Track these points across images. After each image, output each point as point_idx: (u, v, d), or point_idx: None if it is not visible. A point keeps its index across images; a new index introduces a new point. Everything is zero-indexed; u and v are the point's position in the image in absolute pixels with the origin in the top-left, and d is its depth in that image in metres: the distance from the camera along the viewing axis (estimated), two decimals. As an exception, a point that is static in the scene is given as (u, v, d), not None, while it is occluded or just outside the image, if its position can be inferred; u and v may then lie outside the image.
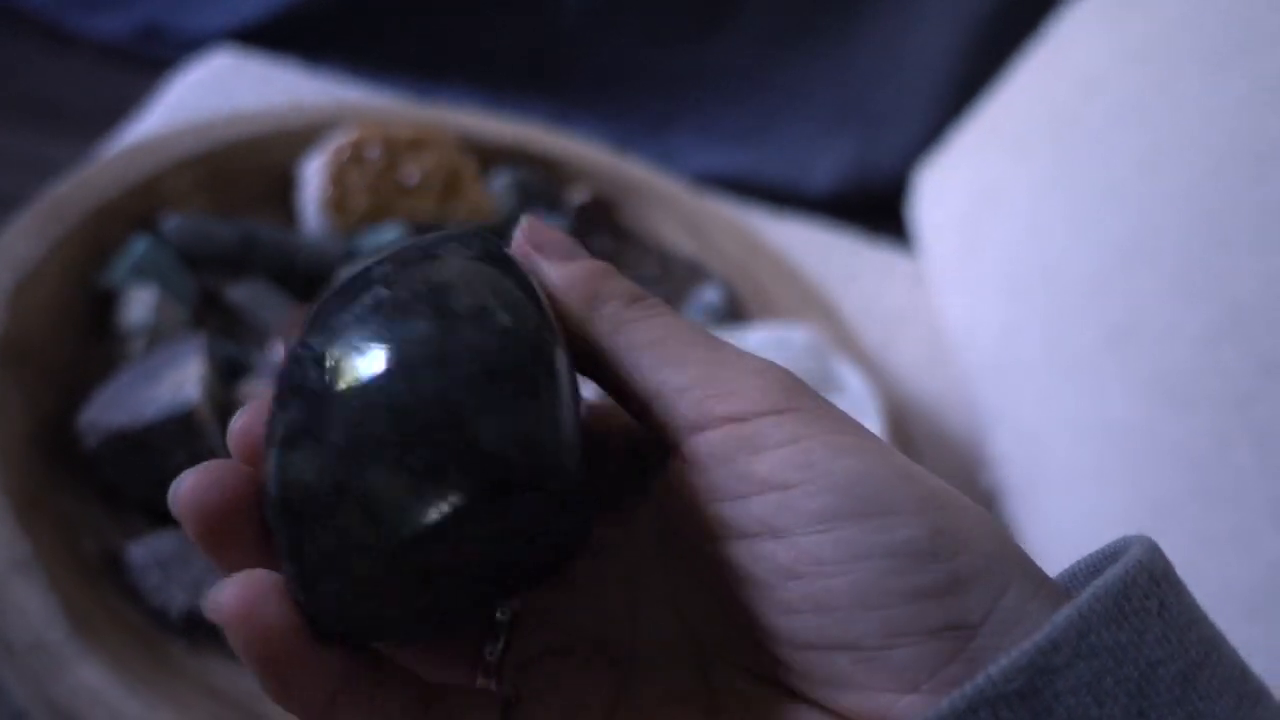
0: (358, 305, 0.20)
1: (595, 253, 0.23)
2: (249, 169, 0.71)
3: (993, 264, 0.77)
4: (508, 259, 0.22)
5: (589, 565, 0.23)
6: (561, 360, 0.20)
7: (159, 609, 0.48)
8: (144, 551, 0.49)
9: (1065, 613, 0.17)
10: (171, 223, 0.63)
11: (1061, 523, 0.63)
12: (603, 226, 0.76)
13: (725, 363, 0.21)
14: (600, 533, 0.23)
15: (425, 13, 1.41)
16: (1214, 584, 0.50)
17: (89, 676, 0.44)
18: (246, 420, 0.20)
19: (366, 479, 0.18)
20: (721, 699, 0.21)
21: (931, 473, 0.20)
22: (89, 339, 0.58)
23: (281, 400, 0.20)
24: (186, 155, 0.68)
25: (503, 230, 0.69)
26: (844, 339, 0.72)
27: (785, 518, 0.19)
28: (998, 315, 0.74)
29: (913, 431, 0.69)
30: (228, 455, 0.21)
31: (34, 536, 0.47)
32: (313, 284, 0.65)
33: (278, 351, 0.57)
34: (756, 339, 0.65)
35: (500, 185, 0.75)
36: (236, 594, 0.18)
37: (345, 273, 0.21)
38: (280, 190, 0.71)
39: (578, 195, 0.77)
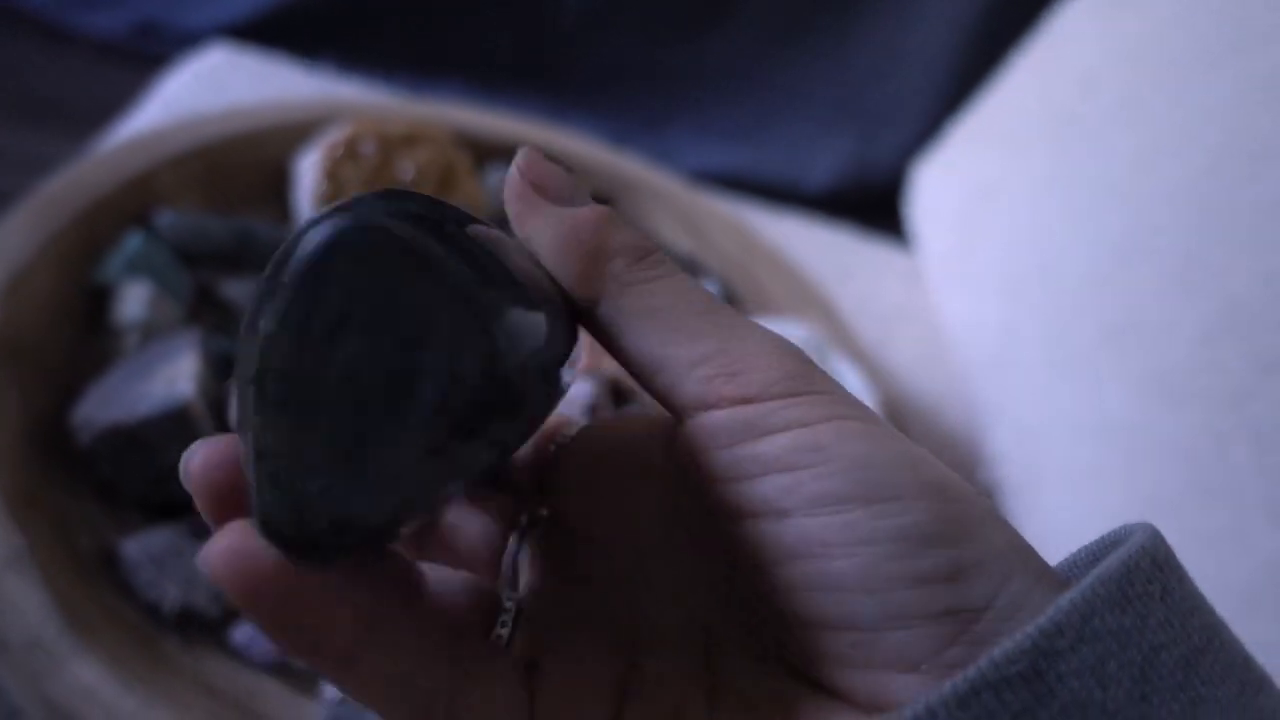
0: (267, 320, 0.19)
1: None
2: (244, 165, 0.71)
3: (990, 261, 0.77)
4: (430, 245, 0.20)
5: (594, 547, 0.23)
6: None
7: (152, 604, 0.48)
8: (137, 547, 0.49)
9: (1069, 596, 0.17)
10: (166, 218, 0.63)
11: (1059, 519, 0.63)
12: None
13: (734, 337, 0.21)
14: (605, 515, 0.23)
15: (421, 9, 1.40)
16: (1210, 580, 0.50)
17: (84, 674, 0.44)
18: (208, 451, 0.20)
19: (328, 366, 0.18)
20: (725, 679, 0.21)
21: (938, 460, 0.20)
22: (83, 335, 0.58)
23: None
24: (181, 151, 0.68)
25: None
26: (841, 336, 0.72)
27: (791, 499, 0.19)
28: (995, 312, 0.74)
29: (910, 428, 0.69)
30: None
31: (28, 533, 0.47)
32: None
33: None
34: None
35: (495, 181, 0.75)
36: (223, 542, 0.18)
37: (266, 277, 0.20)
38: (275, 186, 0.71)
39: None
